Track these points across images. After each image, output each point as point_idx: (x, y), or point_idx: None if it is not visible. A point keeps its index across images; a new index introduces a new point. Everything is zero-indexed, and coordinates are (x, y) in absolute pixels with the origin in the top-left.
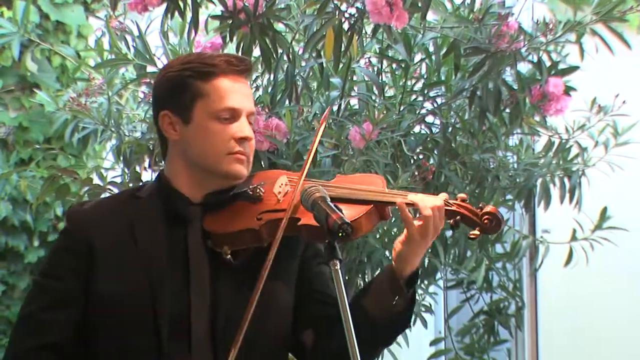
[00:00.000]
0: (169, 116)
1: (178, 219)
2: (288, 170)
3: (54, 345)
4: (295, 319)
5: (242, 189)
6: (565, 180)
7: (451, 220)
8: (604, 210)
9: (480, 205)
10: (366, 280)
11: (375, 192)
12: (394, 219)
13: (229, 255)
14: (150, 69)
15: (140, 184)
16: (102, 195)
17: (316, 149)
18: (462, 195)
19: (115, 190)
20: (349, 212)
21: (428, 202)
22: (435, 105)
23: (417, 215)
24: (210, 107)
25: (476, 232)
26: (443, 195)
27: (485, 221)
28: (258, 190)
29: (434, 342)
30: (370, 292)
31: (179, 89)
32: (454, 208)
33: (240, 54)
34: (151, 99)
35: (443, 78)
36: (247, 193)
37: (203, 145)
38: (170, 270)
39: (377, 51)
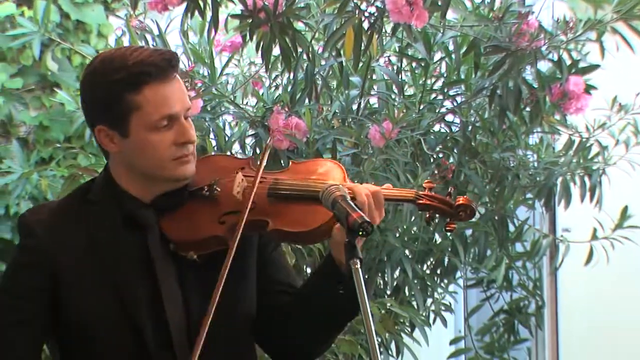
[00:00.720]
0: (105, 131)
1: (134, 222)
2: None
3: None
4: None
5: (195, 187)
6: (586, 179)
7: (427, 215)
8: (625, 209)
9: (449, 191)
10: (386, 279)
11: (320, 184)
12: (413, 217)
13: (195, 257)
14: None
15: (86, 183)
16: None
17: (269, 148)
18: (428, 183)
19: None
20: (310, 216)
21: (362, 189)
22: (455, 104)
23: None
24: (146, 119)
25: (452, 225)
26: (412, 191)
27: (460, 213)
28: (213, 190)
29: (453, 341)
30: (312, 282)
31: (111, 103)
32: (425, 202)
33: (260, 53)
34: (81, 103)
35: (463, 77)
36: (202, 194)
37: (145, 156)
38: (136, 276)
39: (397, 50)
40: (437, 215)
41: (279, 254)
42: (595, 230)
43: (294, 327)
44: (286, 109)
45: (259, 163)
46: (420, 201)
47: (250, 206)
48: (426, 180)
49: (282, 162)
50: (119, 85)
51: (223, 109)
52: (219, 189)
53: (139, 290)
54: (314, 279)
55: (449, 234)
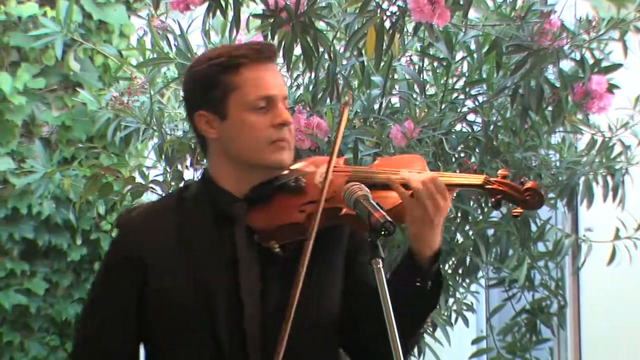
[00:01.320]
0: (204, 115)
1: (224, 217)
2: None
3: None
4: (341, 311)
5: (285, 179)
6: (609, 178)
7: (492, 199)
8: None
9: (521, 180)
10: None
11: (389, 172)
12: None
13: (278, 249)
14: None
15: (183, 183)
16: (145, 194)
17: (341, 135)
18: (503, 171)
19: (158, 189)
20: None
21: (418, 176)
22: (477, 103)
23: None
24: (244, 99)
25: (519, 209)
26: (481, 176)
27: (527, 197)
28: (300, 181)
29: (475, 341)
30: (393, 276)
31: (210, 86)
32: (495, 187)
33: (281, 52)
34: (183, 100)
35: (485, 76)
36: (289, 184)
37: (243, 138)
38: (219, 272)
39: (419, 49)
40: (503, 201)
41: (364, 262)
42: (617, 230)
43: (376, 327)
44: (307, 109)
45: (332, 145)
46: (490, 186)
47: (327, 195)
48: (501, 170)
49: None
50: (217, 68)
51: None
52: (304, 180)
53: (219, 284)
54: (394, 271)
55: (470, 233)
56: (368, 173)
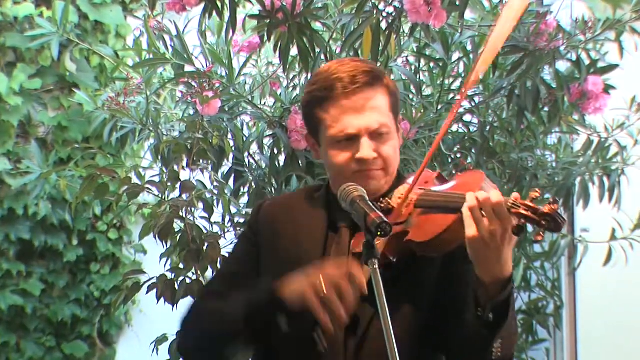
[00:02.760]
0: (309, 138)
1: (334, 225)
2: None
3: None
4: (436, 325)
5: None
6: (605, 179)
7: (515, 225)
8: None
9: (551, 199)
10: None
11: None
12: None
13: (393, 259)
14: (188, 68)
15: (320, 183)
16: (141, 195)
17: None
18: (535, 192)
19: (154, 190)
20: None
21: (471, 198)
22: (473, 104)
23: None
24: (327, 134)
25: (539, 237)
26: (513, 195)
27: (543, 223)
28: (386, 202)
29: None
30: (459, 294)
31: (308, 115)
32: (517, 210)
33: (277, 53)
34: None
35: (481, 77)
36: (379, 205)
37: (331, 167)
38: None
39: (415, 50)
40: (526, 225)
41: (467, 270)
42: (614, 230)
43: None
44: None
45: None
46: (515, 210)
47: (402, 218)
48: (533, 190)
49: (299, 162)
50: (311, 99)
51: (241, 109)
52: (390, 201)
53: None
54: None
55: None
56: (435, 196)
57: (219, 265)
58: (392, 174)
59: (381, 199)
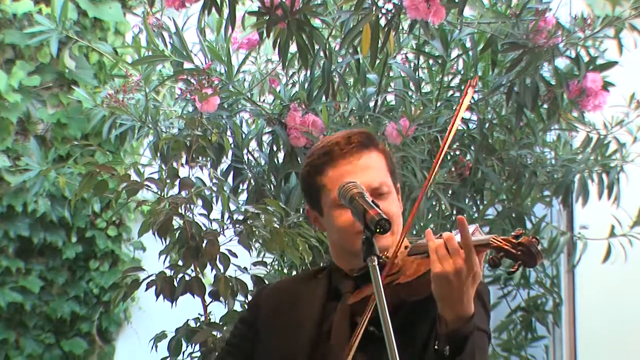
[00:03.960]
0: (311, 212)
1: (336, 294)
2: None
3: None
4: None
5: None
6: (604, 176)
7: (490, 258)
8: None
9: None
10: None
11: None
12: (430, 215)
13: (371, 328)
14: (187, 65)
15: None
16: (140, 192)
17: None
18: (519, 231)
19: (153, 187)
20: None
21: (437, 239)
22: (472, 101)
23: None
24: (329, 197)
25: (514, 269)
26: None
27: (519, 253)
28: (384, 258)
29: None
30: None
31: (307, 186)
32: (496, 244)
33: (276, 50)
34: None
35: (480, 73)
36: (380, 263)
37: (336, 232)
38: (313, 343)
39: (414, 47)
40: (503, 257)
41: None
42: (613, 227)
43: None
44: (303, 107)
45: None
46: (495, 244)
47: (392, 270)
48: (517, 229)
49: (298, 159)
50: (310, 168)
51: (240, 106)
52: (388, 256)
53: (311, 350)
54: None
55: None
56: (424, 244)
57: (218, 264)
58: (397, 232)
59: (384, 254)
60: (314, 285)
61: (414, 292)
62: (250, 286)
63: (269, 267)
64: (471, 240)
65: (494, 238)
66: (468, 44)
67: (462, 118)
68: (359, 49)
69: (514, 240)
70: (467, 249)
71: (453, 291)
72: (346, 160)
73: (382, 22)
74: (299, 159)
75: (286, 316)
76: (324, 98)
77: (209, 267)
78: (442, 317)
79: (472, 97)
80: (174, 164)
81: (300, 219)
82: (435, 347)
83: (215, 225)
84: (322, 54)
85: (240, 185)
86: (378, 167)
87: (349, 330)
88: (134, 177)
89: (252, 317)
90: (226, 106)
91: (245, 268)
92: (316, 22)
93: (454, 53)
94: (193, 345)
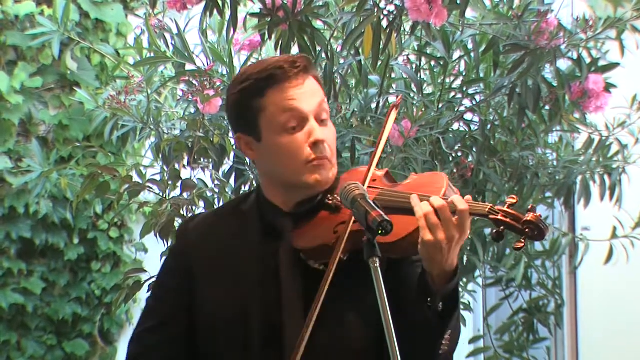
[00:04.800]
0: (242, 138)
1: (273, 231)
2: None
3: None
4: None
5: (325, 195)
6: (606, 177)
7: (494, 231)
8: None
9: (529, 207)
10: None
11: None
12: None
13: (319, 267)
14: (189, 67)
15: (244, 194)
16: (142, 194)
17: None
18: (511, 199)
19: (155, 188)
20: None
21: (424, 204)
22: (474, 102)
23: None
24: (272, 120)
25: (520, 244)
26: (485, 205)
27: (527, 230)
28: (336, 199)
29: (472, 340)
30: (405, 295)
31: (242, 110)
32: (497, 217)
33: (279, 52)
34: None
35: (482, 75)
36: (327, 203)
37: (278, 159)
38: (262, 285)
39: (416, 48)
40: (506, 231)
41: (414, 272)
42: (615, 228)
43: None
44: None
45: (370, 159)
46: (493, 216)
47: (349, 221)
48: (510, 196)
49: None
50: (246, 92)
51: None
52: (339, 198)
53: (261, 293)
54: (407, 292)
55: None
56: (394, 196)
57: None
58: (335, 164)
59: (328, 196)
60: (242, 222)
61: (393, 252)
62: None
63: None
64: (468, 209)
65: (491, 208)
66: (470, 46)
67: (464, 119)
68: (360, 51)
69: (519, 216)
70: (463, 218)
71: (443, 255)
72: (291, 84)
73: (384, 23)
74: None
75: (225, 263)
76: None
77: None
78: (429, 273)
79: (474, 99)
80: (176, 166)
81: None
82: (428, 304)
83: None
84: (324, 55)
85: (242, 187)
86: (320, 92)
87: (299, 275)
88: (136, 178)
89: (185, 266)
90: None
91: None
92: (318, 24)
93: (456, 54)
94: None
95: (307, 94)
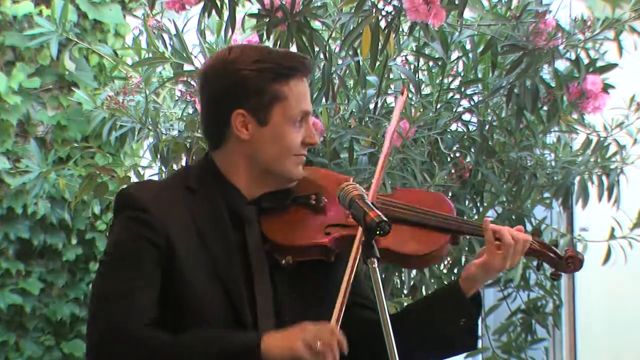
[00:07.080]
0: (243, 115)
1: (236, 218)
2: (323, 167)
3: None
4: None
5: (299, 193)
6: (604, 178)
7: (537, 263)
8: None
9: (554, 242)
10: (403, 279)
11: (450, 218)
12: None
13: (290, 262)
14: (187, 67)
15: (181, 170)
16: None
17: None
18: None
19: None
20: (423, 241)
21: (512, 232)
22: (472, 103)
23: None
24: (289, 110)
25: (558, 274)
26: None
27: (570, 265)
28: (320, 199)
29: None
30: (435, 309)
31: (256, 91)
32: (537, 247)
33: None
34: (210, 90)
35: (480, 76)
36: (309, 202)
37: (276, 147)
38: (236, 267)
39: (414, 49)
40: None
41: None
42: (613, 229)
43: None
44: None
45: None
46: (535, 248)
47: (353, 222)
48: (552, 240)
49: None
50: (268, 73)
51: None
52: (326, 200)
53: (239, 276)
54: (435, 306)
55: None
56: (406, 205)
57: None
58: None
59: (312, 196)
60: (201, 202)
61: (411, 264)
62: None
63: None
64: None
65: (541, 246)
66: (468, 46)
67: (462, 120)
68: (359, 51)
69: (560, 254)
70: (525, 247)
71: (493, 277)
72: (304, 81)
73: (382, 24)
74: None
75: (198, 240)
76: (324, 100)
77: None
78: (466, 292)
79: (472, 99)
80: (174, 166)
81: None
82: (461, 323)
83: None
84: (322, 56)
85: None
86: None
87: (266, 262)
88: (134, 179)
89: (162, 237)
90: None
91: None
92: (316, 24)
93: (454, 55)
94: None
95: (308, 94)
